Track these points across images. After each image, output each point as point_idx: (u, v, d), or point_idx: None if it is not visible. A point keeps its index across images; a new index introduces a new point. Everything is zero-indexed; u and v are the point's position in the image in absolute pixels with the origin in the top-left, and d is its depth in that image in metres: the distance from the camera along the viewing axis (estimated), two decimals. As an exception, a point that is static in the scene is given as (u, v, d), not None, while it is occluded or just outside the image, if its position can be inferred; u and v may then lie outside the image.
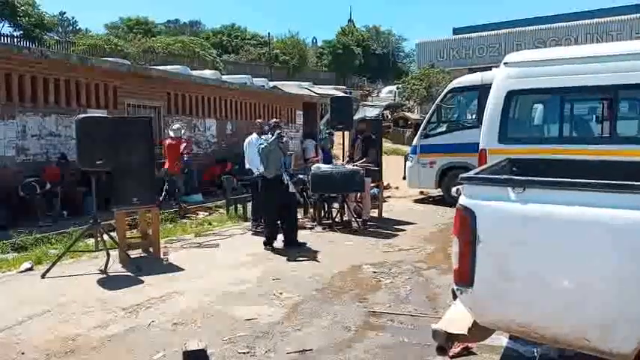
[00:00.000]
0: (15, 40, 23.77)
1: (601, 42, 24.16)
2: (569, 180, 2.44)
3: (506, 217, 2.50)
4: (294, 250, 6.64)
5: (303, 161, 13.29)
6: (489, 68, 10.42)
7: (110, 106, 10.43)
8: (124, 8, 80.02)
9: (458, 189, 2.73)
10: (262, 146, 6.77)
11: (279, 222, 6.89)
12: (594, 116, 7.94)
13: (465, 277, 2.58)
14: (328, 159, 9.89)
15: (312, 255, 6.40)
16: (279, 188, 6.70)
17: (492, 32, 32.05)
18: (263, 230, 7.17)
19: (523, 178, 2.62)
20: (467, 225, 2.55)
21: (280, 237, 6.87)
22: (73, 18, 50.49)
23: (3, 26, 25.69)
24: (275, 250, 6.66)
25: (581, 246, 2.33)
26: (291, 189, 6.75)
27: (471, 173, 2.93)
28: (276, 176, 6.72)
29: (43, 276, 5.50)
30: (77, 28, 46.98)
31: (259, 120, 9.48)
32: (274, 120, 7.79)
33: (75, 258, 6.34)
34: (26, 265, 5.93)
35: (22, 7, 24.85)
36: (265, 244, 6.79)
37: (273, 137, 6.74)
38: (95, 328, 4.08)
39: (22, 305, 4.63)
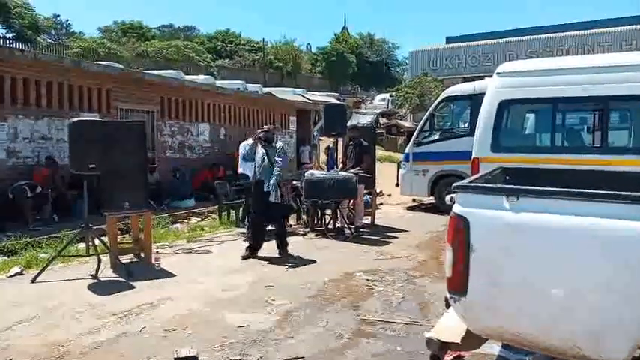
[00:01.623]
0: (7, 41, 23.63)
1: (593, 53, 24.45)
2: (564, 190, 2.46)
3: (500, 225, 2.51)
4: (286, 256, 6.62)
5: (297, 167, 13.35)
6: (482, 77, 10.51)
7: (103, 109, 10.37)
8: (118, 12, 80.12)
9: (452, 197, 2.73)
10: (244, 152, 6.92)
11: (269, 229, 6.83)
12: (586, 126, 8.01)
13: (458, 285, 2.59)
14: (333, 164, 10.06)
15: (304, 262, 6.38)
16: (260, 195, 6.59)
17: (485, 42, 32.31)
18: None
19: (517, 187, 2.64)
20: (460, 233, 2.55)
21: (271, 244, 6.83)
22: (67, 20, 50.08)
23: (-4, 28, 25.60)
24: (267, 257, 6.61)
25: (574, 255, 2.34)
26: (272, 198, 6.48)
27: (465, 182, 2.94)
28: (257, 182, 6.65)
29: (32, 280, 5.44)
30: (71, 30, 46.65)
31: (266, 126, 9.48)
32: (266, 127, 7.45)
33: (65, 262, 6.27)
34: (16, 269, 5.87)
35: (16, 9, 24.73)
36: (247, 249, 6.61)
37: (251, 143, 6.78)
38: (85, 333, 4.04)
39: (11, 310, 4.57)
